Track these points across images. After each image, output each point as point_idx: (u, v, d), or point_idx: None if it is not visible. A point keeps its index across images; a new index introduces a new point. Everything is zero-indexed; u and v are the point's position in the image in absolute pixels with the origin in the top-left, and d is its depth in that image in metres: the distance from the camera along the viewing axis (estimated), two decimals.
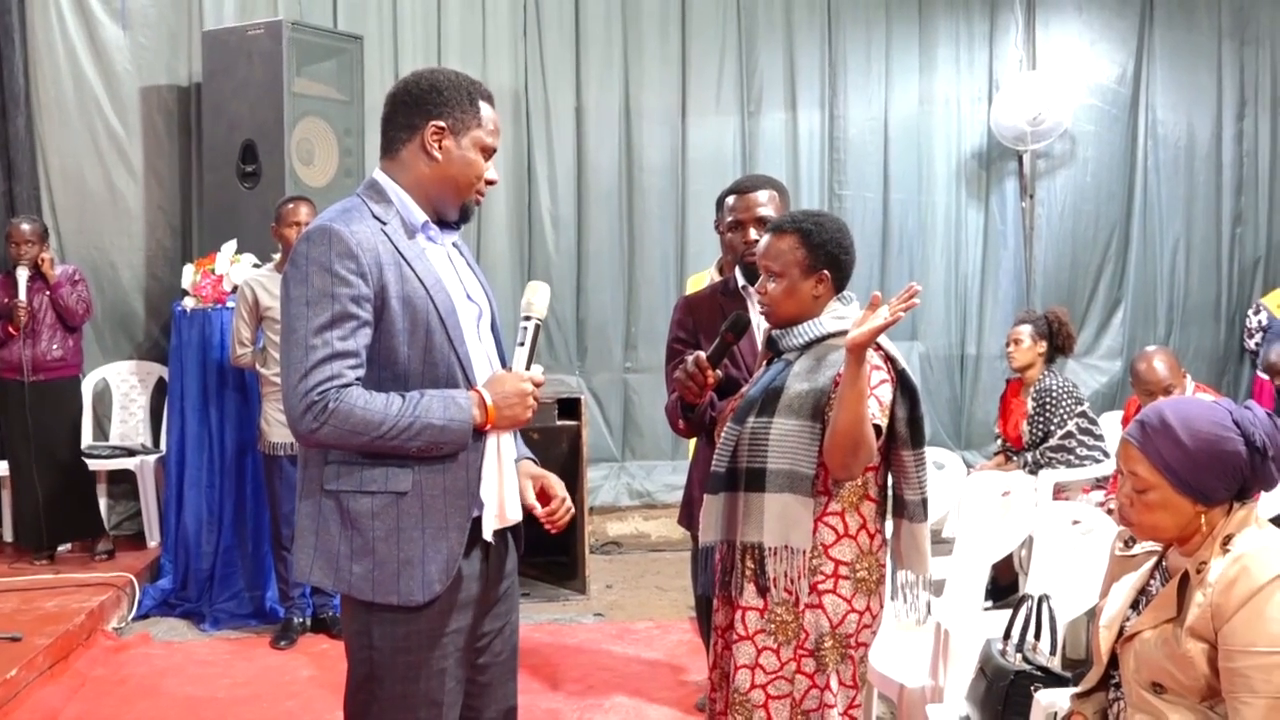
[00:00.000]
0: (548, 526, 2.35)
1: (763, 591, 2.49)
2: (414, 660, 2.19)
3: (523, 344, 2.29)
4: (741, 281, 3.23)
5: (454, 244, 2.35)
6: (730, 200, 3.28)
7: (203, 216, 6.06)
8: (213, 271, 5.43)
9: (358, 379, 2.12)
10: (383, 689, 2.20)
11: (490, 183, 2.32)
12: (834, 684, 2.47)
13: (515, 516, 2.33)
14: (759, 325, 3.01)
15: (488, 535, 2.26)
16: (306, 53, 5.66)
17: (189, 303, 5.42)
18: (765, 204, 3.20)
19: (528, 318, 2.31)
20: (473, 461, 2.20)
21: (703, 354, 2.76)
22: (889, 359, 2.50)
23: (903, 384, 2.51)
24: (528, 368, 2.28)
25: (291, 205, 4.86)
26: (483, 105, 2.27)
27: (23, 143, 6.01)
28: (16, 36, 5.95)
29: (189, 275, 5.50)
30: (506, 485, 2.28)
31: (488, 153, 2.29)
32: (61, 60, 6.09)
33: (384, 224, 2.19)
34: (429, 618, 2.18)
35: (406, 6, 6.51)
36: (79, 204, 6.17)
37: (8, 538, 5.88)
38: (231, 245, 5.48)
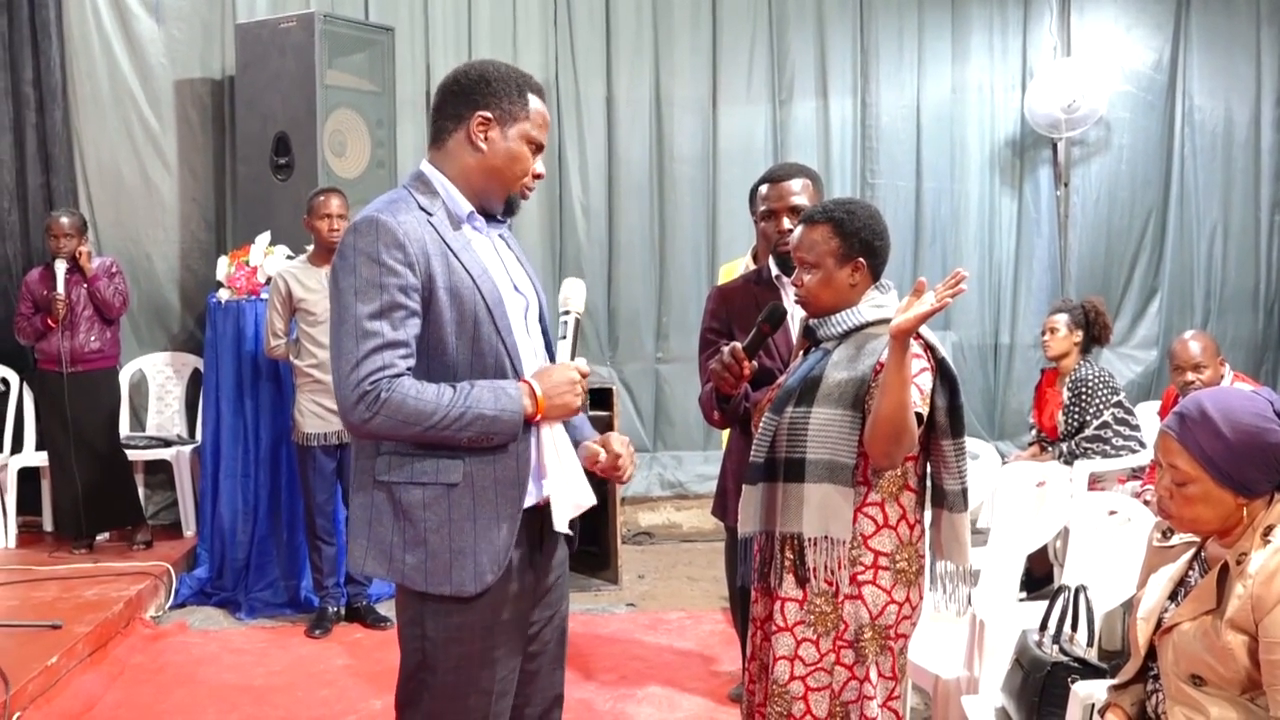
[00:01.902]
0: (615, 478, 2.33)
1: (802, 582, 2.48)
2: (467, 650, 2.20)
3: (564, 337, 2.30)
4: (775, 271, 3.21)
5: (500, 235, 2.35)
6: (763, 189, 3.26)
7: (236, 209, 6.12)
8: (247, 263, 5.46)
9: (408, 369, 2.11)
10: (435, 678, 2.21)
11: (537, 176, 2.32)
12: (873, 675, 2.46)
13: (589, 501, 2.30)
14: (793, 315, 3.00)
15: (561, 527, 2.24)
16: (338, 45, 5.69)
17: (223, 294, 5.46)
18: (798, 192, 3.19)
19: (566, 312, 2.32)
20: (523, 452, 2.20)
21: (738, 345, 2.76)
22: (929, 347, 2.48)
23: (943, 373, 2.49)
24: (571, 359, 2.28)
25: (323, 197, 4.88)
26: (532, 99, 2.27)
27: (60, 136, 6.08)
28: (53, 31, 6.02)
29: (223, 267, 5.54)
30: (573, 474, 2.27)
31: (534, 146, 2.28)
32: (97, 54, 6.16)
33: (430, 215, 2.19)
34: (481, 608, 2.19)
35: None
36: (115, 197, 6.24)
37: (48, 527, 5.96)
38: (265, 237, 5.51)
